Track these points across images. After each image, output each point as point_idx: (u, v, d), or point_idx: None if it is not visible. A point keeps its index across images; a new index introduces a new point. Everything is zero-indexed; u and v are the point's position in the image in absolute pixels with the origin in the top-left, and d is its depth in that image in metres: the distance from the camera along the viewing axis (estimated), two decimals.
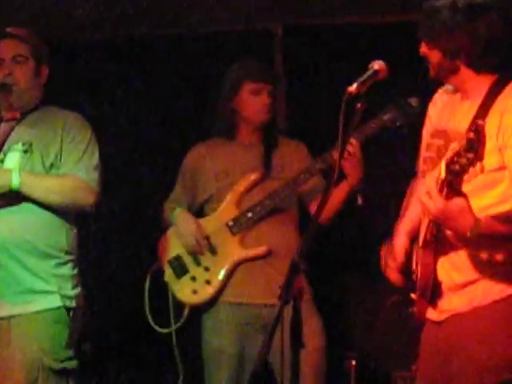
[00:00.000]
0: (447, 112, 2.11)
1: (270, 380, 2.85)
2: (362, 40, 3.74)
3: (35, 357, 2.41)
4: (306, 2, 3.86)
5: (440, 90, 2.18)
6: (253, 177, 2.82)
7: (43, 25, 3.05)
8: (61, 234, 2.54)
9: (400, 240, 2.17)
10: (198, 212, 2.98)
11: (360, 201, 2.65)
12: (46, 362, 2.42)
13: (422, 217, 2.05)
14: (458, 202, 1.78)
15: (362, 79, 1.83)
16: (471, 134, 1.69)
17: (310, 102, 3.75)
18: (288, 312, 1.73)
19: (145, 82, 3.77)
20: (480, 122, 1.77)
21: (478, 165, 1.81)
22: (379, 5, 3.76)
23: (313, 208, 2.86)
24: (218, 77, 3.12)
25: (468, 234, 1.80)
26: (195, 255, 2.84)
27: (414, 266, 2.11)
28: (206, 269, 2.80)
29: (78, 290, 2.52)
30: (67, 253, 2.53)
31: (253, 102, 2.87)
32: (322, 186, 2.79)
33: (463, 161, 1.72)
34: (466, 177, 1.82)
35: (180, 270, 2.84)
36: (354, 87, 1.79)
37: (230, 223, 2.78)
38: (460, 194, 1.80)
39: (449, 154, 1.77)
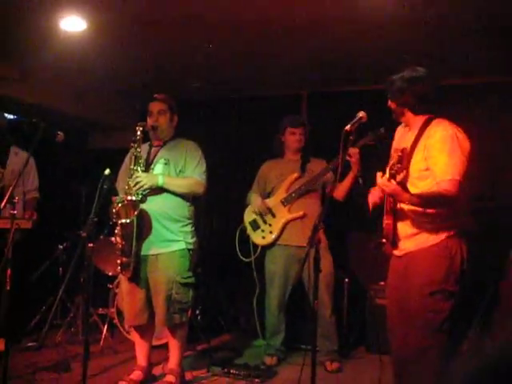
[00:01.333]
0: (401, 137, 3.09)
1: (302, 290, 4.14)
2: (360, 103, 5.18)
3: (171, 276, 3.52)
4: (324, 76, 5.26)
5: (400, 126, 3.18)
6: (295, 175, 4.32)
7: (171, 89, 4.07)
8: (184, 208, 3.65)
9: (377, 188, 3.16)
10: (267, 197, 4.45)
11: (361, 182, 3.98)
12: (177, 279, 3.53)
13: (386, 197, 2.91)
14: (399, 186, 2.71)
15: (352, 122, 2.86)
16: (400, 154, 2.68)
17: (323, 137, 5.04)
18: (312, 252, 2.79)
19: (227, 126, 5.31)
20: (404, 147, 2.72)
21: (404, 171, 2.74)
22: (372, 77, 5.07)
23: (337, 194, 4.23)
24: (268, 124, 4.60)
25: (406, 202, 2.77)
26: (263, 218, 4.30)
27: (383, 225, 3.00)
28: (270, 225, 4.29)
29: (194, 239, 3.69)
30: (188, 218, 3.67)
31: (291, 138, 4.43)
32: (332, 179, 4.21)
33: (395, 168, 2.68)
34: (398, 177, 2.69)
35: (255, 226, 4.38)
36: (348, 127, 2.83)
37: (282, 200, 4.28)
38: (398, 182, 2.71)
39: (390, 163, 2.71)
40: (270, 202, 4.40)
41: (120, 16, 3.99)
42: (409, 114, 2.96)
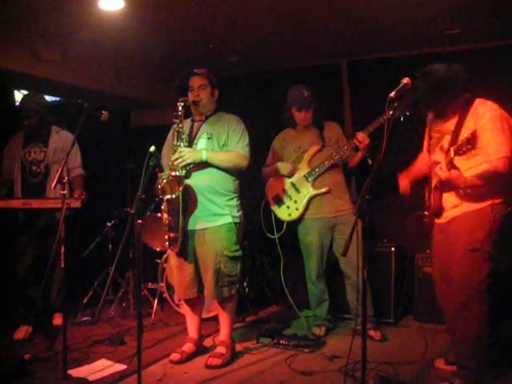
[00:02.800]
0: (439, 120, 3.19)
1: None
2: (398, 70, 5.11)
3: (219, 249, 3.55)
4: (361, 43, 5.19)
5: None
6: (316, 148, 4.23)
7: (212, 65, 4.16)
8: (229, 182, 3.66)
9: (407, 173, 3.45)
10: None
11: (370, 162, 4.03)
12: (225, 252, 3.56)
13: (433, 171, 3.10)
14: (455, 173, 2.85)
15: (397, 89, 2.85)
16: (469, 136, 2.71)
17: (363, 105, 5.16)
18: (358, 222, 2.95)
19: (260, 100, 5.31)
20: (474, 130, 2.74)
21: (473, 151, 2.80)
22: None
23: (350, 163, 4.25)
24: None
25: (462, 186, 2.92)
26: (287, 193, 4.27)
27: (427, 198, 3.25)
28: (295, 201, 4.27)
29: (240, 212, 3.72)
30: (233, 192, 3.69)
31: (298, 116, 4.29)
32: (351, 154, 4.16)
33: (464, 148, 2.76)
34: (464, 156, 2.83)
35: (280, 202, 4.35)
36: (393, 94, 2.83)
37: (306, 175, 4.23)
38: (455, 167, 2.85)
39: (454, 146, 2.79)
40: (293, 176, 4.32)
41: None
42: (448, 103, 3.04)
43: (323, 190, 4.21)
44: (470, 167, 2.92)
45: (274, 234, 4.44)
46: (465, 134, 2.85)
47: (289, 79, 5.52)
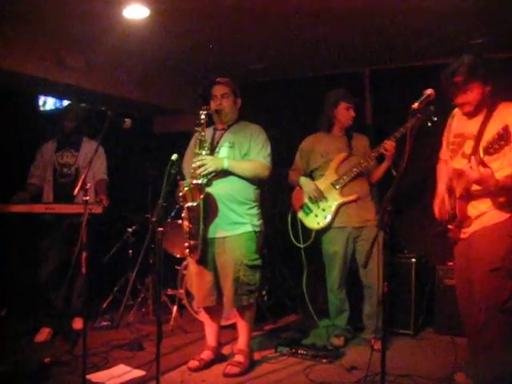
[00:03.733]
0: (462, 123, 3.09)
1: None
2: (421, 79, 5.07)
3: (238, 258, 3.55)
4: (385, 52, 5.16)
5: (456, 109, 3.18)
6: (343, 155, 4.22)
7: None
8: (250, 191, 3.66)
9: (439, 196, 3.26)
10: (309, 175, 4.38)
11: (394, 173, 3.97)
12: (245, 261, 3.56)
13: (456, 182, 3.02)
14: (487, 171, 2.68)
15: (420, 100, 2.77)
16: (501, 131, 2.53)
17: (385, 115, 5.15)
18: (380, 233, 2.90)
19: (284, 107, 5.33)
20: (506, 124, 2.55)
21: (506, 147, 2.62)
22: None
23: (372, 177, 4.30)
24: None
25: (493, 188, 2.75)
26: (315, 202, 4.22)
27: (451, 210, 3.11)
28: (323, 210, 4.23)
29: (260, 221, 3.71)
30: (254, 201, 3.69)
31: (345, 114, 4.30)
32: (375, 165, 4.20)
33: (496, 146, 2.57)
34: (495, 155, 2.64)
35: (307, 210, 4.31)
36: (416, 105, 2.75)
37: (333, 182, 4.20)
38: (487, 166, 2.68)
39: (483, 144, 2.64)
40: (320, 183, 4.30)
41: (182, 3, 4.00)
42: (481, 97, 2.93)
43: (351, 198, 4.19)
44: (501, 168, 2.81)
45: (300, 243, 4.40)
46: (489, 136, 2.76)
47: (311, 87, 5.60)
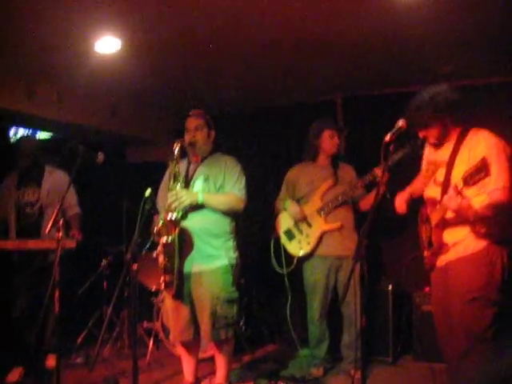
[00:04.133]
0: (435, 150, 3.11)
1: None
2: (393, 106, 5.14)
3: (215, 292, 3.53)
4: (356, 80, 5.21)
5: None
6: (329, 183, 4.23)
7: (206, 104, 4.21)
8: (225, 224, 3.66)
9: (405, 192, 3.33)
10: None
11: (388, 196, 3.79)
12: (222, 295, 3.53)
13: (430, 210, 3.03)
14: (465, 202, 2.65)
15: (392, 132, 2.82)
16: (479, 164, 2.49)
17: (359, 144, 5.18)
18: (357, 266, 2.81)
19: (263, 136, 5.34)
20: (483, 156, 2.51)
21: (487, 178, 2.53)
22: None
23: (360, 205, 4.25)
24: (302, 131, 4.51)
25: (470, 218, 2.72)
26: (298, 228, 4.20)
27: (426, 238, 3.10)
28: (307, 236, 4.21)
29: (236, 254, 3.70)
30: (229, 234, 3.68)
31: (329, 142, 4.30)
32: (364, 193, 4.17)
33: (476, 178, 2.52)
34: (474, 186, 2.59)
35: (290, 236, 4.29)
36: (388, 137, 2.81)
37: (318, 209, 4.19)
38: (465, 196, 2.65)
39: (463, 175, 2.57)
40: (305, 209, 4.29)
41: (155, 36, 4.01)
42: (443, 130, 2.96)
43: (335, 226, 4.18)
44: (476, 195, 2.78)
45: (283, 269, 4.35)
46: (462, 164, 2.78)
47: (283, 116, 5.61)
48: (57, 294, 3.21)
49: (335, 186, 4.25)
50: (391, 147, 2.96)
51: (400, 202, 3.33)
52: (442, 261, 3.04)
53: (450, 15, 3.63)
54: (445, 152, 2.99)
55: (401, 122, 2.86)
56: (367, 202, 4.21)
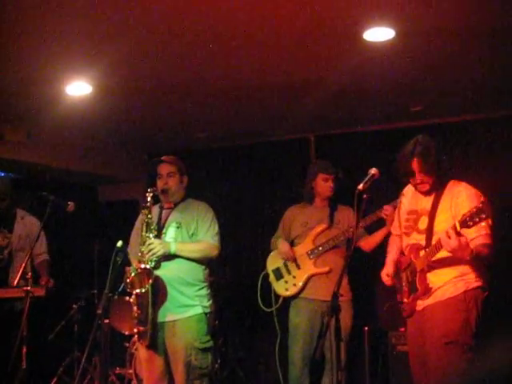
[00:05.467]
0: (415, 199, 3.13)
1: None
2: (366, 143, 5.18)
3: (189, 342, 3.41)
4: (330, 119, 5.30)
5: (406, 188, 3.25)
6: (322, 226, 4.21)
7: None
8: (199, 272, 3.56)
9: (389, 266, 3.30)
10: (290, 244, 4.30)
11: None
12: (196, 344, 3.42)
13: (413, 256, 3.03)
14: (463, 239, 2.65)
15: (364, 180, 2.85)
16: (480, 205, 2.53)
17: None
18: (333, 321, 2.90)
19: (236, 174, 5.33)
20: (483, 199, 2.61)
21: (489, 220, 2.66)
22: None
23: (362, 245, 4.19)
24: (276, 170, 4.57)
25: (468, 257, 2.70)
26: (287, 268, 4.20)
27: (408, 284, 3.09)
28: (294, 277, 4.20)
29: (210, 302, 3.59)
30: (203, 282, 3.57)
31: (323, 185, 4.30)
32: (362, 234, 4.14)
33: (477, 219, 2.54)
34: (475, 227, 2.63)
35: (278, 275, 4.29)
36: (361, 186, 2.82)
37: (309, 252, 4.18)
38: (461, 235, 2.65)
39: (460, 218, 2.59)
40: (296, 251, 4.28)
41: (124, 79, 4.02)
42: (432, 180, 3.00)
43: (324, 270, 4.15)
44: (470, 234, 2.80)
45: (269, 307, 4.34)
46: (445, 213, 2.87)
47: (256, 154, 5.62)
48: (24, 349, 3.09)
49: (329, 229, 4.22)
50: (365, 196, 3.00)
51: (387, 275, 3.30)
52: (419, 305, 3.05)
53: (420, 54, 3.73)
54: (426, 202, 3.06)
55: (373, 170, 2.90)
56: (368, 242, 4.17)
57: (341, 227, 4.22)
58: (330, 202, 4.34)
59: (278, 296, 4.33)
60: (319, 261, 4.19)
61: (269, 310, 4.33)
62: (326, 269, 4.15)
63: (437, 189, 3.01)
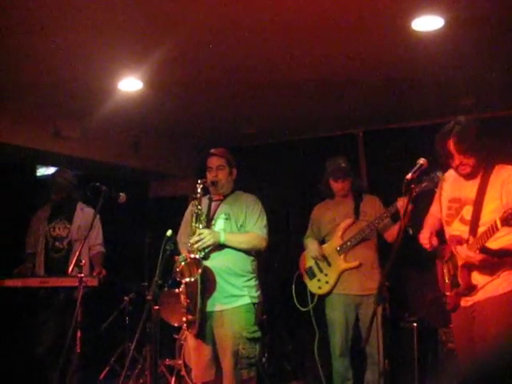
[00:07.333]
0: (457, 187, 3.02)
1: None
2: (414, 138, 5.10)
3: (237, 331, 3.47)
4: (377, 114, 5.28)
5: (447, 173, 3.14)
6: (349, 221, 4.21)
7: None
8: (247, 263, 3.61)
9: (426, 231, 3.26)
10: (321, 242, 4.35)
11: (410, 232, 3.69)
12: (244, 334, 3.47)
13: (454, 249, 2.95)
14: (482, 256, 2.69)
15: (413, 170, 2.77)
16: None
17: (380, 177, 5.18)
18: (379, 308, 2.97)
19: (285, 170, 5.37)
20: None
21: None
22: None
23: (386, 236, 4.18)
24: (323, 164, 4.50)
25: (496, 260, 2.74)
26: (319, 266, 4.23)
27: (450, 277, 3.05)
28: (326, 275, 4.22)
29: (258, 293, 3.63)
30: (251, 273, 3.63)
31: (335, 187, 4.31)
32: (390, 225, 4.10)
33: None
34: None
35: (311, 275, 4.32)
36: (409, 176, 2.76)
37: (338, 248, 4.19)
38: (487, 250, 2.66)
39: (503, 215, 2.50)
40: (325, 248, 4.30)
41: (174, 75, 4.10)
42: (478, 162, 2.88)
43: (354, 264, 4.15)
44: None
45: (305, 307, 4.34)
46: (493, 202, 2.73)
47: (305, 149, 5.62)
48: (78, 334, 3.20)
49: (356, 223, 4.22)
50: (413, 186, 2.99)
51: (425, 239, 3.23)
52: (467, 301, 2.96)
53: (470, 44, 3.64)
54: (470, 189, 2.93)
55: (422, 160, 2.83)
56: (391, 233, 4.14)
57: (368, 219, 4.19)
58: (355, 194, 4.33)
59: (313, 295, 4.34)
60: (349, 256, 4.18)
61: (305, 310, 4.34)
62: (356, 263, 4.15)
63: (481, 174, 2.88)
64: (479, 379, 2.84)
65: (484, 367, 2.79)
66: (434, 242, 3.18)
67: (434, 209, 3.32)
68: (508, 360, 2.65)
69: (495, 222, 2.56)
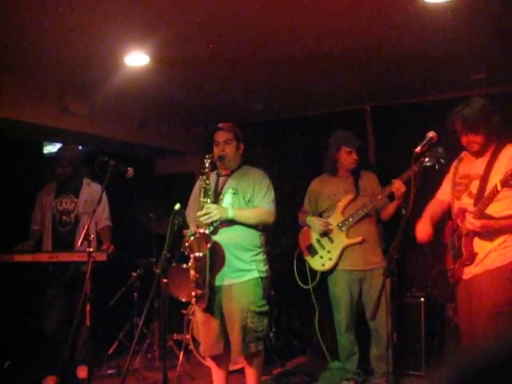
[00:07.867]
0: (469, 164, 3.08)
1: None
2: (423, 113, 5.05)
3: (245, 305, 3.50)
4: (385, 90, 5.24)
5: (462, 154, 3.19)
6: (350, 197, 4.19)
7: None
8: (255, 237, 3.64)
9: (425, 218, 3.29)
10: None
11: (403, 212, 3.72)
12: (252, 308, 3.51)
13: (460, 220, 3.00)
14: (484, 221, 2.79)
15: (422, 143, 2.84)
16: None
17: (388, 153, 5.13)
18: (387, 281, 2.91)
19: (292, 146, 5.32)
20: None
21: None
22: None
23: (382, 215, 4.20)
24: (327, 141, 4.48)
25: (496, 227, 2.83)
26: (320, 243, 4.20)
27: (454, 248, 3.08)
28: (328, 251, 4.20)
29: (266, 267, 3.67)
30: (259, 247, 3.65)
31: (347, 158, 4.28)
32: (386, 203, 4.10)
33: None
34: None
35: (313, 252, 4.28)
36: (418, 149, 2.83)
37: (340, 224, 4.17)
38: (486, 216, 2.75)
39: (503, 177, 2.62)
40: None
41: (181, 50, 4.07)
42: (487, 139, 2.94)
43: (357, 240, 4.14)
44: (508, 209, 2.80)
45: (307, 284, 4.33)
46: (498, 176, 2.75)
47: (313, 125, 5.59)
48: (88, 307, 3.22)
49: (356, 199, 4.20)
50: (422, 159, 3.05)
51: (421, 232, 3.27)
52: (467, 274, 3.01)
53: (483, 17, 3.57)
54: (479, 165, 2.99)
55: (431, 133, 2.87)
56: (388, 213, 4.16)
57: (368, 194, 4.19)
58: (353, 170, 4.31)
59: (314, 272, 4.32)
60: (351, 232, 4.16)
61: (307, 287, 4.32)
62: (359, 239, 4.13)
63: (491, 151, 2.94)
64: (475, 355, 2.93)
65: (478, 342, 2.92)
66: (424, 238, 3.24)
67: (442, 191, 3.33)
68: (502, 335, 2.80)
69: (495, 185, 2.65)
